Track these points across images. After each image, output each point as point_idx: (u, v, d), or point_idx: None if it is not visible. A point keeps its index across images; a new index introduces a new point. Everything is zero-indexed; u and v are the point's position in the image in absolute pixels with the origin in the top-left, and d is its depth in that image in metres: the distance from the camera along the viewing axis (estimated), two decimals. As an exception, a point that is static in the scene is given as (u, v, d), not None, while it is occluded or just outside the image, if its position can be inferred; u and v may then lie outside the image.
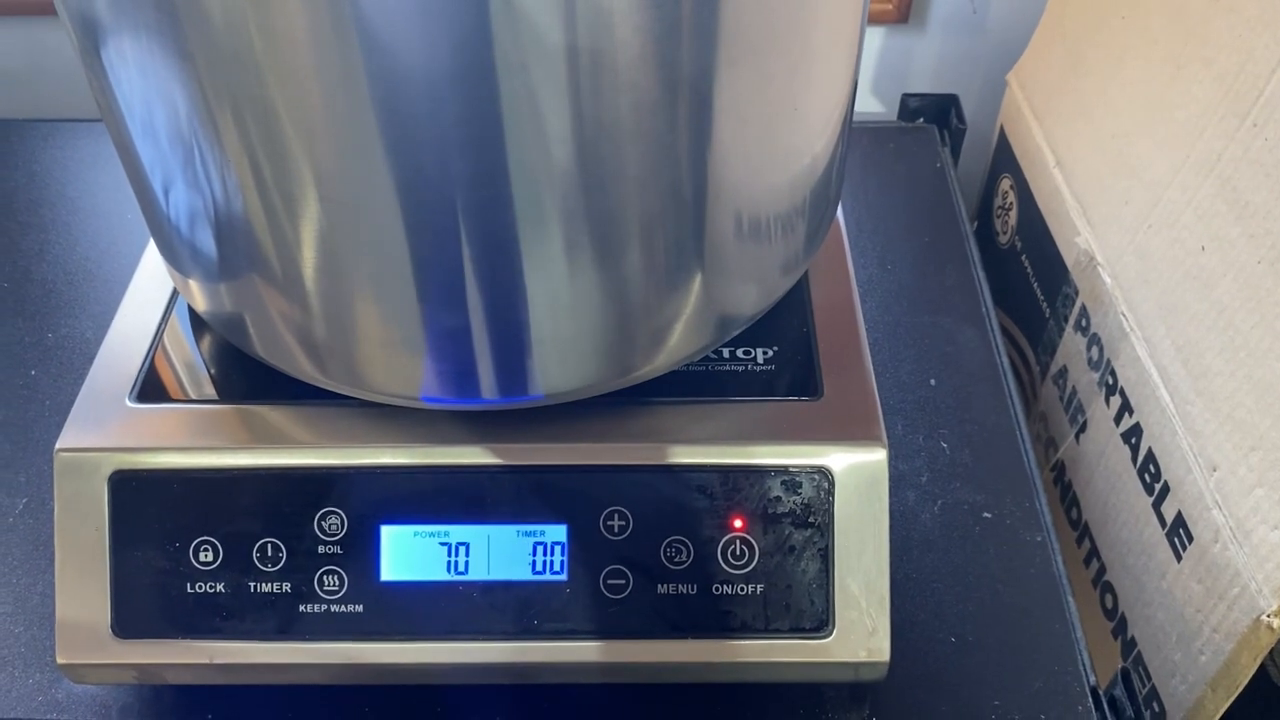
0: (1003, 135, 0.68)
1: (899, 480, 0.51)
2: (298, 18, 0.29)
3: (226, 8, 0.29)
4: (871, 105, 0.80)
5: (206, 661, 0.41)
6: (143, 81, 0.34)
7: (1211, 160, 0.47)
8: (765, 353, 0.44)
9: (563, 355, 0.39)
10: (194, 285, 0.42)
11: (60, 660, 0.41)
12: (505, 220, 0.34)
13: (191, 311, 0.46)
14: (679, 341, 0.41)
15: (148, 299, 0.47)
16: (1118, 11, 0.56)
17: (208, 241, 0.38)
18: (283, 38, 0.30)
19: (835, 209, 0.47)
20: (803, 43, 0.35)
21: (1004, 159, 0.68)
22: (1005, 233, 0.68)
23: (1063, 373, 0.60)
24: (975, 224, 0.73)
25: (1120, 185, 0.53)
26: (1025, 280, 0.64)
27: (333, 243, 0.35)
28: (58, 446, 0.41)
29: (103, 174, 0.67)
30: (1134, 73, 0.53)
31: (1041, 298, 0.62)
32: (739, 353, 0.44)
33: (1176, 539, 0.48)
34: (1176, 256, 0.49)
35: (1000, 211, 0.69)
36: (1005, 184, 0.68)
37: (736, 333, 0.43)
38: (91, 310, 0.59)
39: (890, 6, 0.76)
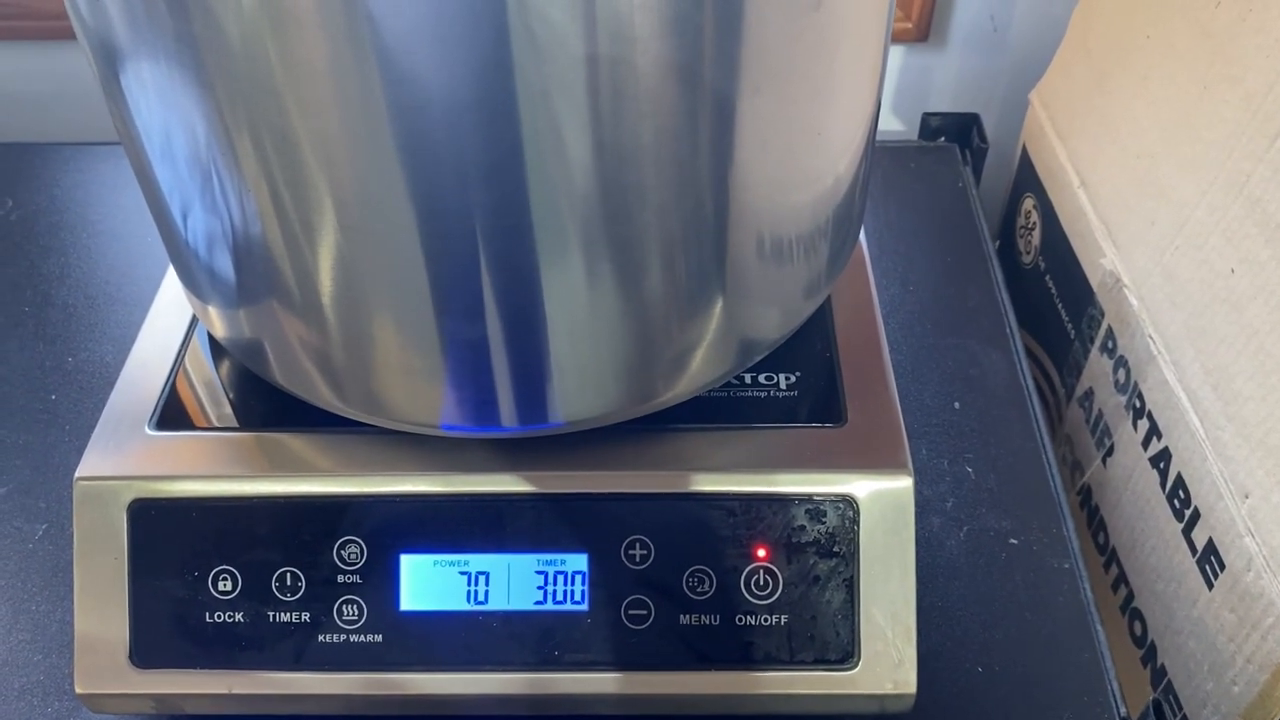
0: (1025, 154, 0.68)
1: (924, 506, 0.50)
2: (318, 46, 0.29)
3: (246, 36, 0.29)
4: (892, 124, 0.80)
5: (225, 691, 0.40)
6: (162, 108, 0.33)
7: (1240, 181, 0.46)
8: (788, 378, 0.44)
9: (584, 382, 0.38)
10: (213, 312, 0.41)
11: (79, 690, 0.40)
12: (525, 247, 0.34)
13: (211, 338, 0.46)
14: (701, 367, 0.40)
15: (167, 325, 0.47)
16: (1143, 31, 0.55)
17: (226, 268, 0.38)
18: (302, 66, 0.30)
19: (858, 232, 0.47)
20: (826, 66, 0.35)
21: (1026, 178, 0.67)
22: (1028, 253, 0.67)
23: (1088, 395, 0.59)
24: (998, 243, 0.72)
25: (1146, 206, 0.53)
26: (1049, 301, 0.63)
27: (352, 270, 0.35)
28: (77, 475, 0.40)
29: (123, 197, 0.68)
30: (1160, 92, 0.53)
31: (1066, 319, 0.61)
32: (761, 378, 0.44)
33: (1208, 566, 0.47)
34: (1205, 278, 0.48)
35: (1023, 231, 0.68)
36: (1028, 203, 0.67)
37: (759, 358, 0.42)
38: (112, 334, 0.59)
39: (910, 25, 0.75)
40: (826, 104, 0.36)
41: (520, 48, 0.29)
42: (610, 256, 0.35)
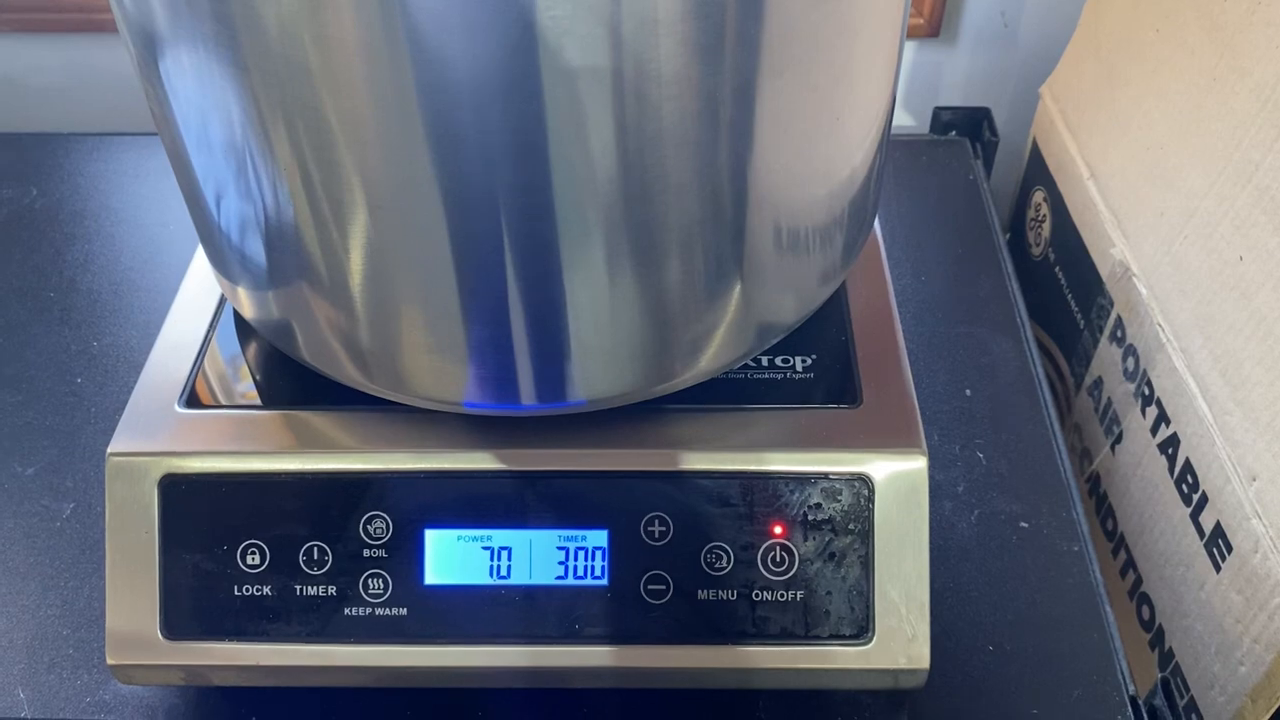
0: (1035, 148, 0.69)
1: (936, 490, 0.51)
2: (350, 27, 0.30)
3: (282, 18, 0.30)
4: (903, 119, 0.81)
5: (253, 663, 0.41)
6: (199, 92, 0.34)
7: (1249, 170, 0.47)
8: (804, 360, 0.45)
9: (604, 362, 0.39)
10: (242, 292, 0.42)
11: (110, 661, 0.41)
12: (549, 228, 0.35)
13: (238, 318, 0.47)
14: (719, 349, 0.41)
15: (195, 307, 0.48)
16: (1152, 24, 0.56)
17: (257, 249, 0.39)
18: (335, 47, 0.31)
19: (873, 219, 0.47)
20: (846, 53, 0.36)
21: (1036, 171, 0.68)
22: (1038, 245, 0.68)
23: (1097, 384, 0.60)
24: (1008, 236, 0.73)
25: (1156, 196, 0.53)
26: (1059, 291, 0.64)
27: (379, 250, 0.36)
28: (109, 451, 0.41)
29: (145, 186, 0.69)
30: (1170, 84, 0.54)
31: (1075, 309, 0.62)
32: (778, 360, 0.45)
33: (1215, 549, 0.48)
34: (1214, 267, 0.49)
35: (1033, 224, 0.69)
36: (1038, 196, 0.68)
37: (776, 341, 0.43)
38: (136, 319, 0.60)
39: (921, 20, 0.76)
40: (846, 91, 0.37)
41: (546, 29, 0.30)
42: (632, 239, 0.36)
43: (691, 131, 0.34)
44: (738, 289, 0.39)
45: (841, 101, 0.38)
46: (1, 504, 0.51)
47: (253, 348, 0.46)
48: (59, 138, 0.73)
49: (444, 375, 0.40)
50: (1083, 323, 0.61)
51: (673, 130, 0.33)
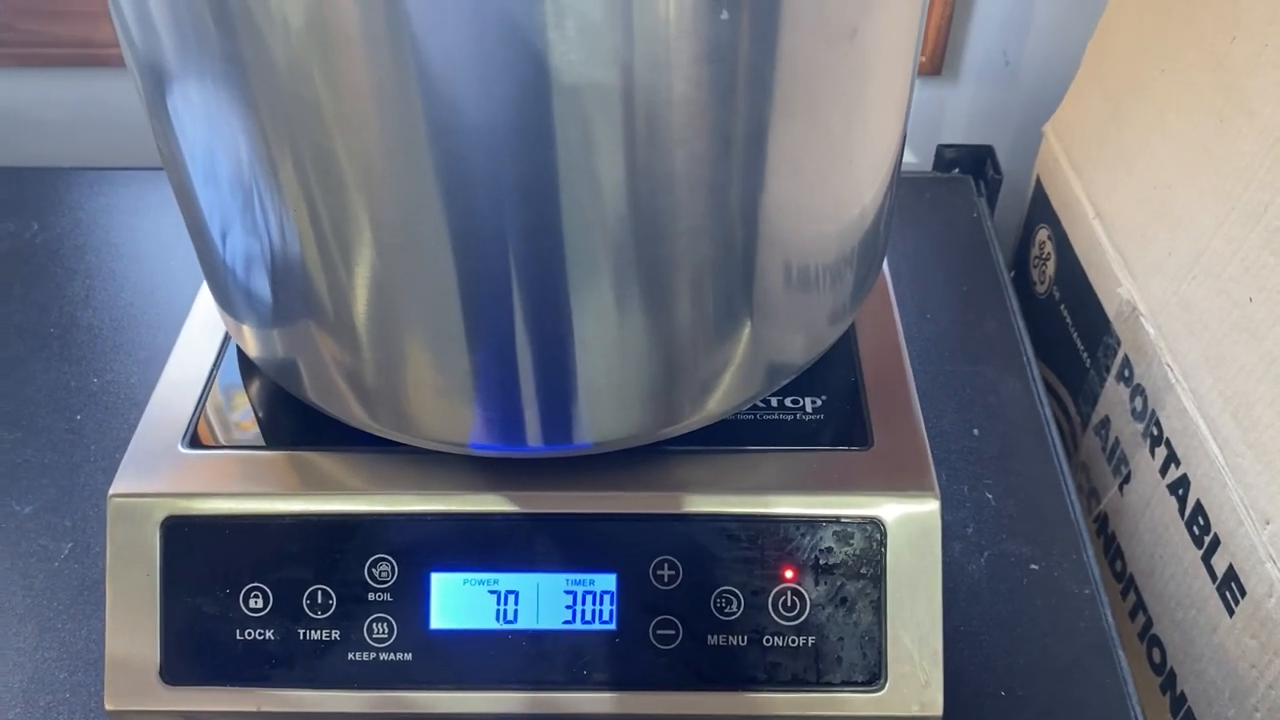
0: (1039, 186, 0.69)
1: (945, 531, 0.50)
2: (361, 66, 0.30)
3: (292, 56, 0.30)
4: (906, 155, 0.81)
5: (254, 709, 0.40)
6: (206, 128, 0.34)
7: (1258, 211, 0.47)
8: (814, 402, 0.44)
9: (612, 404, 0.39)
10: (247, 330, 0.42)
11: (108, 706, 0.40)
12: (557, 269, 0.34)
13: (242, 358, 0.47)
14: (728, 390, 0.41)
15: (199, 345, 0.47)
16: (1157, 64, 0.56)
17: (263, 288, 0.38)
18: (346, 86, 0.30)
19: (882, 259, 0.47)
20: (858, 94, 0.36)
21: (1040, 209, 0.68)
22: (1043, 282, 0.68)
23: (1105, 423, 0.59)
24: (1012, 273, 0.73)
25: (1163, 236, 0.53)
26: (1064, 330, 0.64)
27: (386, 290, 0.36)
28: (111, 492, 0.41)
29: (146, 221, 0.68)
30: (1176, 124, 0.54)
31: (1082, 348, 0.62)
32: (788, 401, 0.44)
33: (1228, 593, 0.47)
34: (1223, 307, 0.48)
35: (1037, 261, 0.69)
36: (1042, 234, 0.68)
37: (786, 382, 0.43)
38: (135, 356, 0.59)
39: (924, 58, 0.76)
40: (859, 132, 0.37)
41: (559, 71, 0.30)
42: (640, 280, 0.35)
43: (704, 174, 0.33)
44: (748, 330, 0.39)
45: (854, 142, 0.37)
46: (1, 545, 0.50)
47: (256, 387, 0.46)
48: (59, 172, 0.72)
49: (451, 416, 0.39)
50: (1089, 361, 0.61)
51: (685, 173, 0.33)
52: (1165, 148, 0.54)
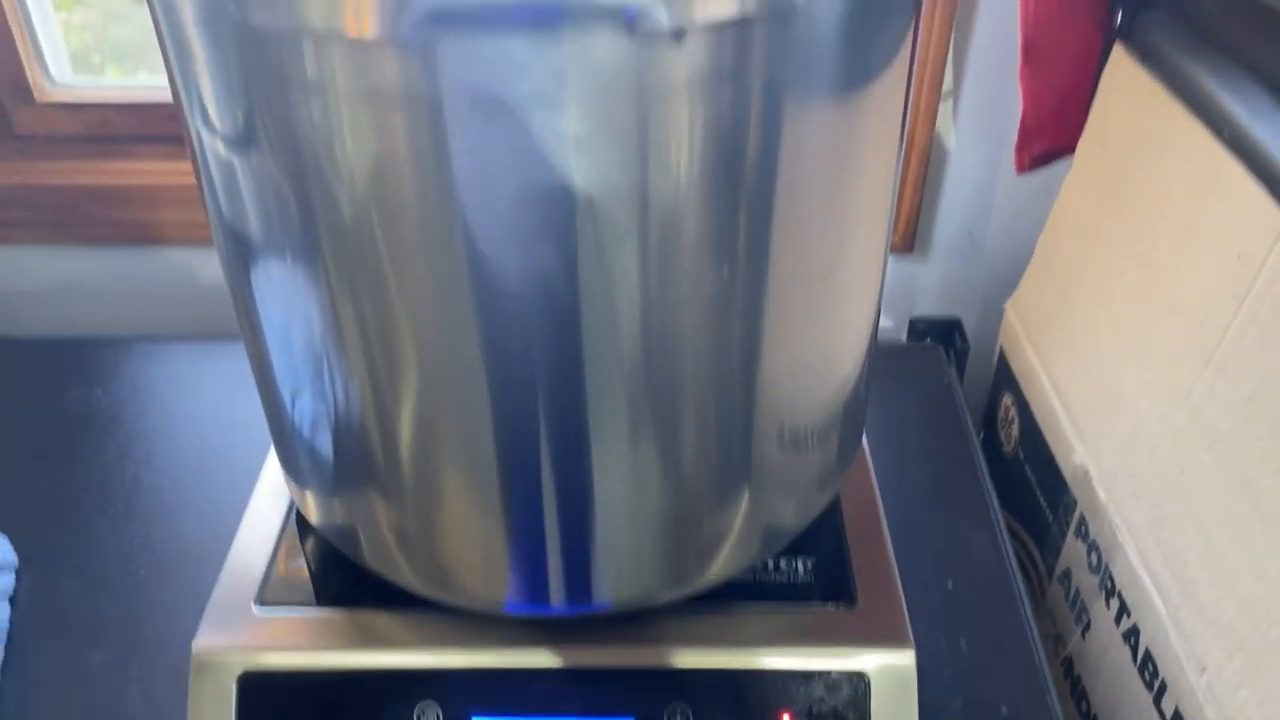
0: (1003, 356, 0.77)
1: (923, 678, 0.56)
2: (416, 238, 0.36)
3: (357, 221, 0.36)
4: (883, 324, 0.89)
5: (316, 844, 0.46)
6: (283, 302, 0.41)
7: (1184, 393, 0.54)
8: (805, 563, 0.51)
9: (629, 570, 0.46)
10: (310, 497, 0.49)
11: (186, 843, 0.46)
12: (584, 459, 0.41)
13: (303, 523, 0.53)
14: (732, 555, 0.47)
15: (267, 510, 0.54)
16: (1098, 259, 0.64)
17: (326, 449, 0.45)
18: (403, 256, 0.36)
19: (863, 426, 0.54)
20: (842, 272, 0.42)
21: (1005, 378, 0.76)
22: (1009, 443, 0.75)
23: (1066, 574, 0.66)
24: (982, 434, 0.80)
25: (1109, 410, 0.61)
26: (1029, 488, 0.71)
27: (437, 479, 0.43)
28: (194, 648, 0.47)
29: (201, 389, 0.75)
30: (1114, 313, 0.62)
31: (1044, 504, 0.69)
32: (781, 564, 0.51)
33: (1176, 733, 0.53)
34: (1161, 476, 0.56)
35: (1004, 424, 0.76)
36: (1007, 400, 0.75)
37: (783, 546, 0.49)
38: (193, 514, 0.66)
39: (897, 238, 0.85)
40: (845, 305, 0.44)
41: (586, 285, 0.36)
42: (653, 458, 0.42)
43: (708, 364, 0.40)
44: (747, 501, 0.46)
45: (841, 316, 0.44)
46: (74, 693, 0.55)
47: (317, 551, 0.52)
48: (120, 341, 0.80)
49: (487, 581, 0.46)
50: (1051, 517, 0.68)
51: (693, 370, 0.40)
52: (1107, 334, 0.62)
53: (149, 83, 0.88)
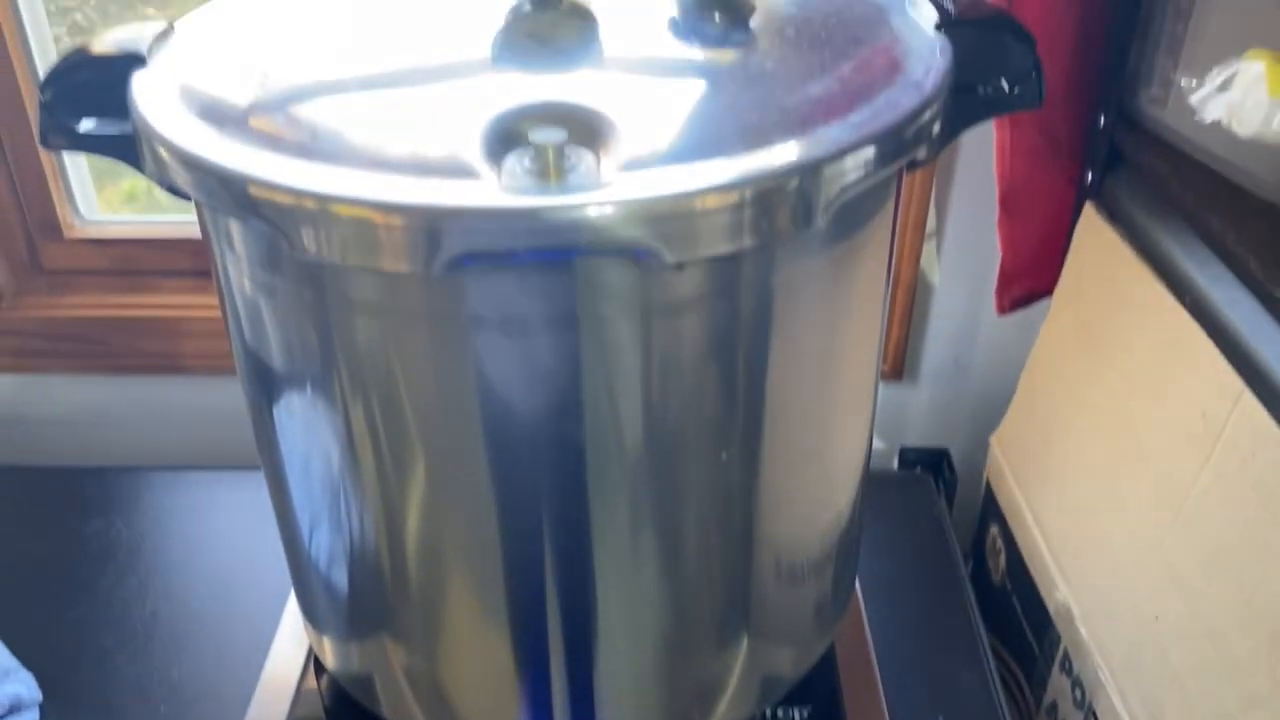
0: (989, 488, 0.80)
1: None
2: (429, 375, 0.39)
3: (371, 345, 0.39)
4: (876, 448, 0.92)
5: None
6: (304, 435, 0.44)
7: (1155, 545, 0.58)
8: (802, 711, 0.54)
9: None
10: (327, 645, 0.51)
11: None
12: (589, 616, 0.45)
13: (319, 667, 0.56)
14: (732, 704, 0.50)
15: (288, 655, 0.57)
16: (1075, 408, 0.68)
17: (342, 599, 0.48)
18: (419, 402, 0.40)
19: (856, 570, 0.57)
20: (834, 413, 0.46)
21: (991, 509, 0.79)
22: (997, 572, 0.78)
23: (1053, 707, 0.68)
24: (970, 562, 0.83)
25: (1088, 552, 0.64)
26: (1016, 618, 0.74)
27: (453, 638, 0.46)
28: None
29: (223, 519, 0.78)
30: (1091, 459, 0.65)
31: (1031, 637, 0.71)
32: (779, 712, 0.54)
33: None
34: (1137, 622, 0.58)
35: (991, 553, 0.79)
36: (994, 531, 0.78)
37: (782, 695, 0.52)
38: (210, 648, 0.68)
39: (886, 366, 0.89)
40: (836, 444, 0.47)
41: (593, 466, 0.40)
42: (657, 612, 0.45)
43: (708, 509, 0.43)
44: (746, 650, 0.49)
45: (831, 466, 0.48)
46: (96, 831, 0.58)
47: (334, 698, 0.55)
48: (140, 471, 0.83)
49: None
50: (1038, 650, 0.70)
51: (693, 527, 0.44)
52: (1085, 476, 0.66)
53: (174, 218, 0.92)
